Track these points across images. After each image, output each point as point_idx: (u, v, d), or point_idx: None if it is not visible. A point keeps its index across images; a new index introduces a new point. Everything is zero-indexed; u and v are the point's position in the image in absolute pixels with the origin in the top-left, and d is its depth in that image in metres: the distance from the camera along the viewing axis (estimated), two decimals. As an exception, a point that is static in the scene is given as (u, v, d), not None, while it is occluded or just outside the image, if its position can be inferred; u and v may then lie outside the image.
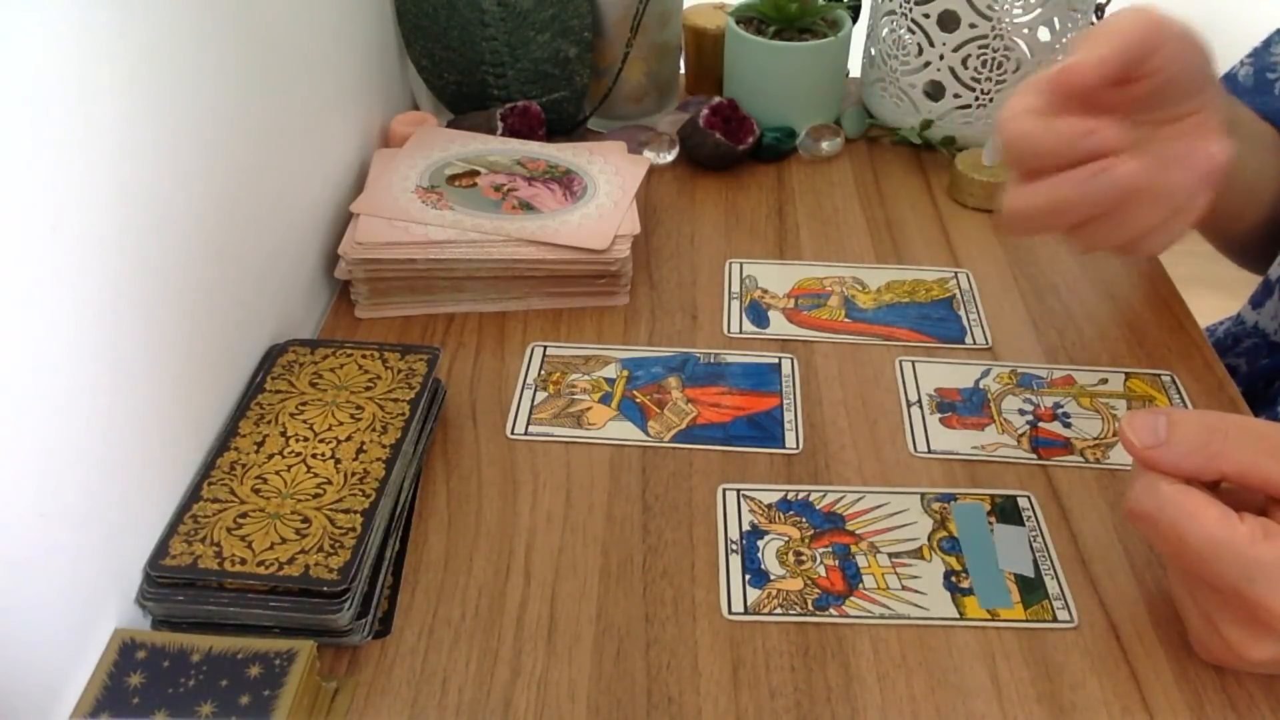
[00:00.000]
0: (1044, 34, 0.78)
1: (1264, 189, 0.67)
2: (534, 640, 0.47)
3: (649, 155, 0.79)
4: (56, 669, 0.41)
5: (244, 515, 0.48)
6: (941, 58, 0.79)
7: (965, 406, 0.60)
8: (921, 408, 0.60)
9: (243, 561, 0.45)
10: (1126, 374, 0.62)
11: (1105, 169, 0.46)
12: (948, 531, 0.52)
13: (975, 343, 0.65)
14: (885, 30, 0.82)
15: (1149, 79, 0.49)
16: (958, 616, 0.48)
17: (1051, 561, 0.51)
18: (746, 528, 0.52)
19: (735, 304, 0.67)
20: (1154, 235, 0.50)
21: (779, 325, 0.66)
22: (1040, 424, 0.59)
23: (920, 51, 0.80)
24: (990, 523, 0.53)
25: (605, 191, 0.69)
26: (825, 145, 0.82)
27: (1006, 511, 0.53)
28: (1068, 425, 0.59)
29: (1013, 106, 0.48)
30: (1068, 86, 0.47)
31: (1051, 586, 0.50)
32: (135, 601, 0.46)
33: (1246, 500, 0.42)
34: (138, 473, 0.46)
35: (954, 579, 0.50)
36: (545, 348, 0.64)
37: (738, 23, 0.83)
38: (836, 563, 0.51)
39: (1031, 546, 0.52)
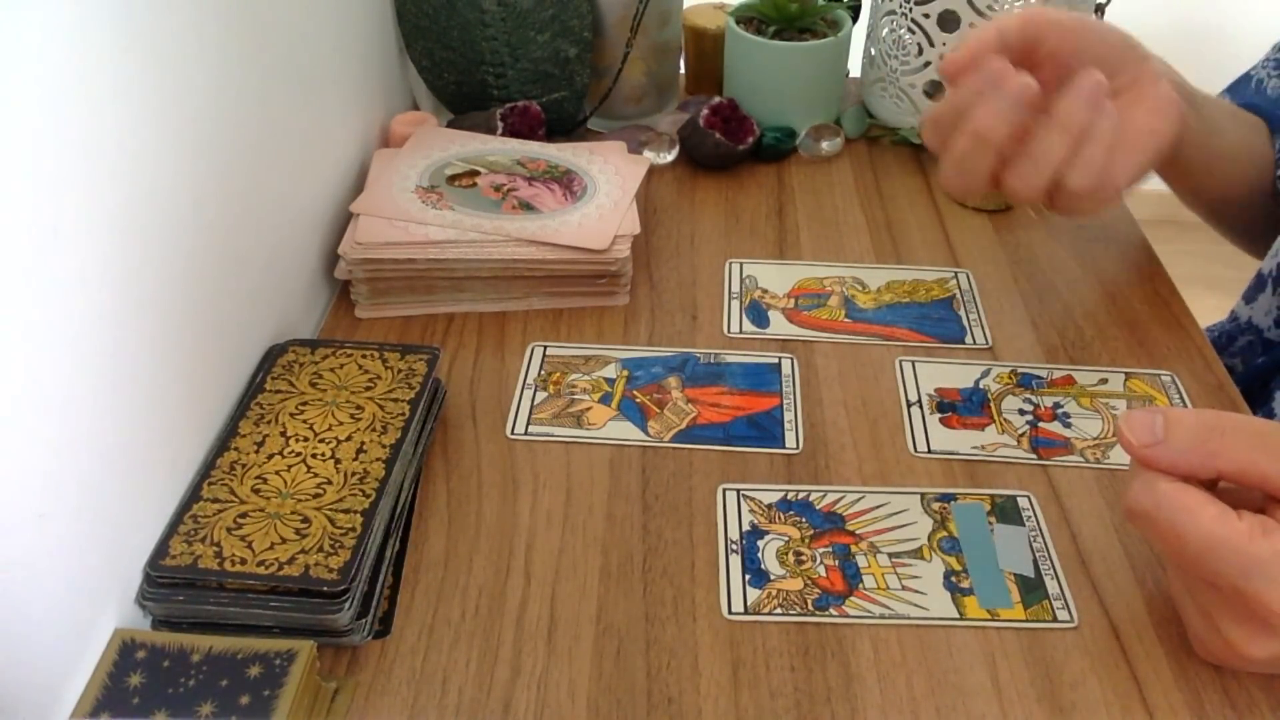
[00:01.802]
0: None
1: (1231, 154, 0.70)
2: (534, 640, 0.47)
3: (649, 155, 0.79)
4: (56, 669, 0.41)
5: (244, 515, 0.48)
6: (941, 58, 0.79)
7: (965, 406, 0.60)
8: (921, 408, 0.60)
9: (243, 561, 0.45)
10: (1126, 374, 0.62)
11: (999, 81, 0.54)
12: (948, 531, 0.52)
13: (975, 343, 0.65)
14: (885, 30, 0.82)
15: (1050, 61, 0.56)
16: (958, 616, 0.48)
17: (1051, 561, 0.51)
18: (746, 528, 0.52)
19: (735, 304, 0.67)
20: (1075, 171, 0.55)
21: (779, 325, 0.66)
22: (1040, 424, 0.59)
23: (920, 51, 0.80)
24: (990, 523, 0.53)
25: (605, 191, 0.69)
26: (825, 145, 0.82)
27: (1006, 511, 0.53)
28: (1068, 425, 0.59)
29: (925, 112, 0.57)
30: (946, 73, 0.56)
31: (1051, 586, 0.50)
32: (135, 601, 0.46)
33: (1245, 499, 0.42)
34: (138, 473, 0.46)
35: (954, 579, 0.50)
36: (545, 348, 0.64)
37: (738, 23, 0.83)
38: (836, 563, 0.51)
39: (1031, 546, 0.52)
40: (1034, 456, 0.57)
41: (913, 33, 0.79)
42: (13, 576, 0.38)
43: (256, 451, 0.51)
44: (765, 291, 0.68)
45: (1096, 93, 0.54)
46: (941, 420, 0.59)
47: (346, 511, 0.48)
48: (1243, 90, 0.76)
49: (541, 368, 0.62)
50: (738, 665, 0.46)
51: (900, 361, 0.63)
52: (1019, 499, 0.54)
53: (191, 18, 0.49)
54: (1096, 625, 0.48)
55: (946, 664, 0.46)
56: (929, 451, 0.57)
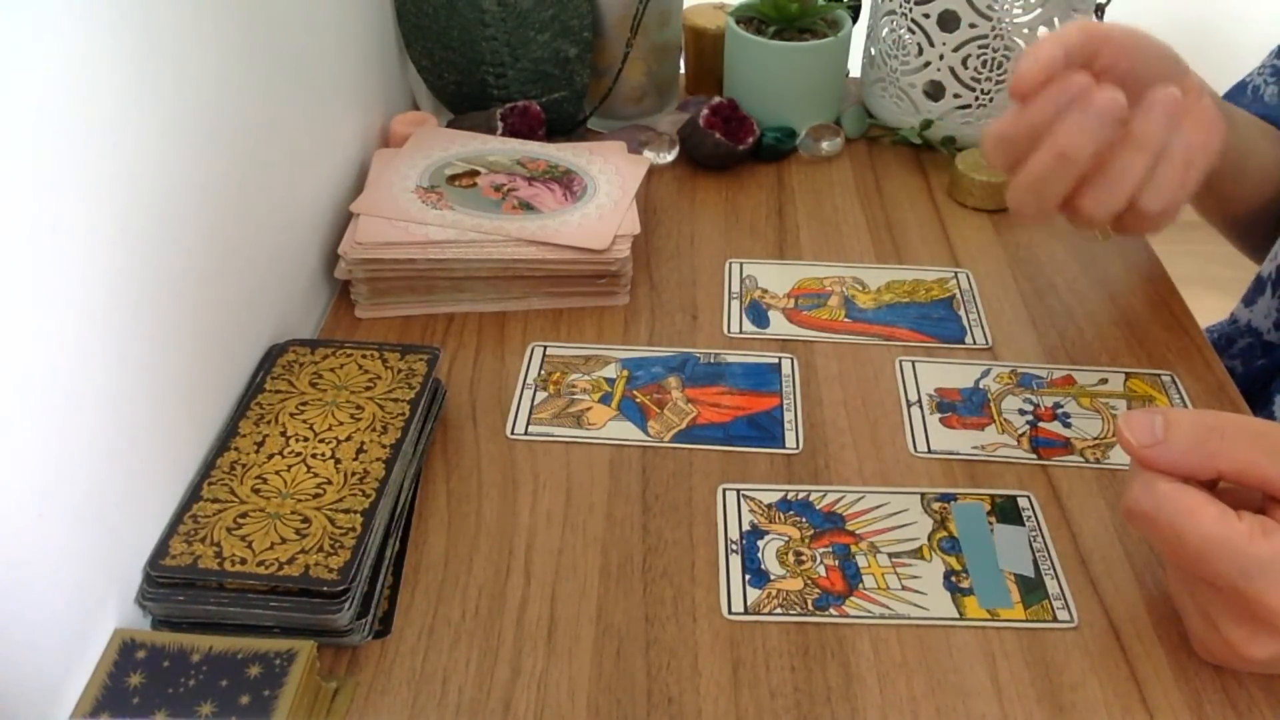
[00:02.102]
0: (1044, 34, 0.78)
1: (1262, 167, 0.69)
2: (534, 640, 0.47)
3: (649, 155, 0.79)
4: (56, 669, 0.41)
5: (244, 515, 0.48)
6: (941, 58, 0.79)
7: (965, 406, 0.60)
8: (921, 408, 0.60)
9: (243, 561, 0.45)
10: (1126, 374, 0.62)
11: (1085, 95, 0.51)
12: (948, 531, 0.52)
13: (975, 343, 0.65)
14: (885, 30, 0.82)
15: (1106, 74, 0.54)
16: (958, 616, 0.48)
17: (1051, 561, 0.51)
18: (746, 528, 0.52)
19: (735, 304, 0.67)
20: (1150, 191, 0.53)
21: (779, 325, 0.66)
22: (1040, 424, 0.59)
23: (920, 51, 0.80)
24: (990, 523, 0.53)
25: (605, 191, 0.69)
26: (825, 145, 0.82)
27: (1006, 511, 0.53)
28: (1068, 425, 0.59)
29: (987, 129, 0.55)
30: (1021, 91, 0.52)
31: (1051, 586, 0.50)
32: (135, 601, 0.46)
33: (1244, 499, 0.42)
34: (138, 473, 0.46)
35: (954, 579, 0.50)
36: (545, 348, 0.64)
37: (738, 23, 0.83)
38: (836, 563, 0.51)
39: (1031, 546, 0.52)
40: (1034, 456, 0.57)
41: (913, 33, 0.79)
42: (13, 577, 0.38)
43: (256, 451, 0.51)
44: (765, 291, 0.68)
45: (1174, 110, 0.52)
46: (941, 420, 0.59)
47: (346, 511, 0.48)
48: (1239, 98, 0.77)
49: (541, 368, 0.62)
50: (738, 665, 0.46)
51: (900, 361, 0.63)
52: (1019, 499, 0.54)
53: (192, 18, 0.49)
54: (1096, 625, 0.48)
55: (946, 664, 0.46)
56: (929, 451, 0.57)
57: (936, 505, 0.54)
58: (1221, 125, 0.57)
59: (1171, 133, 0.53)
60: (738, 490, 0.54)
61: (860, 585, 0.50)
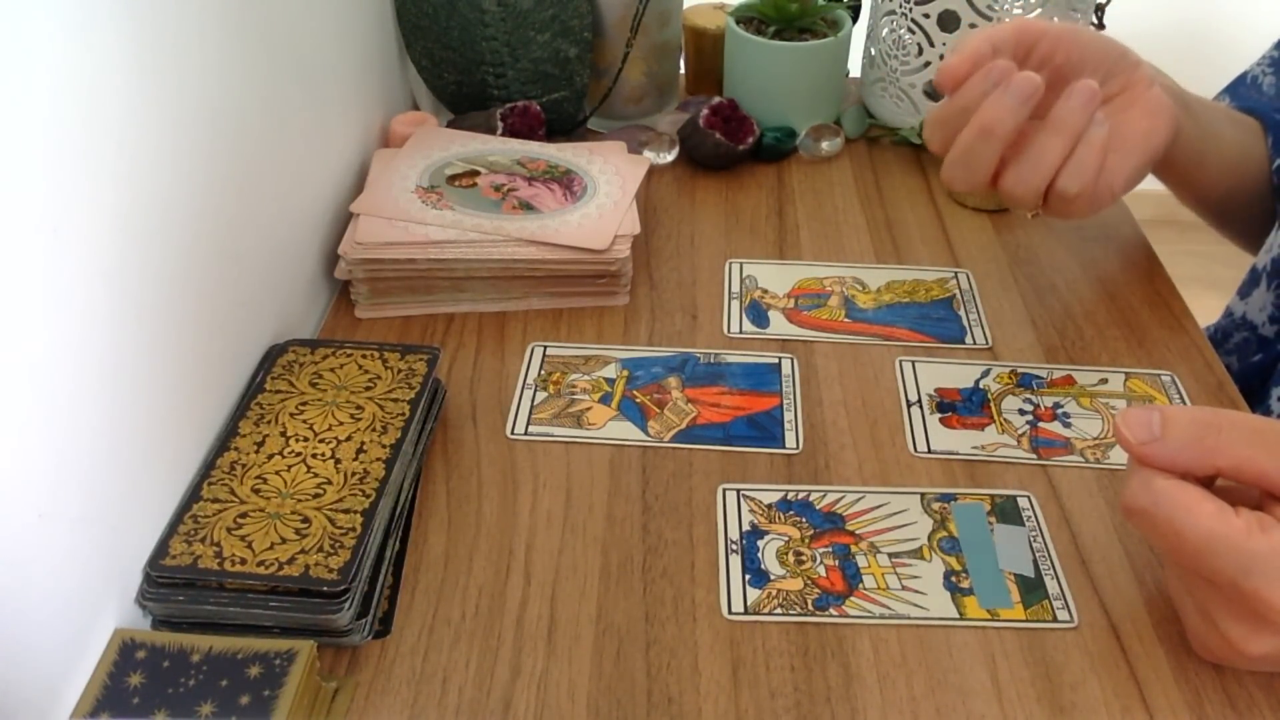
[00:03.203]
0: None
1: (1225, 155, 0.71)
2: (534, 640, 0.47)
3: (649, 155, 0.79)
4: (56, 669, 0.41)
5: (244, 515, 0.48)
6: (941, 58, 0.79)
7: (965, 406, 0.60)
8: (921, 408, 0.60)
9: (243, 561, 0.45)
10: (1126, 374, 0.62)
11: (1005, 78, 0.55)
12: (948, 531, 0.52)
13: (975, 343, 0.65)
14: (885, 30, 0.82)
15: (1043, 70, 0.57)
16: (958, 616, 0.48)
17: (1051, 561, 0.51)
18: (746, 528, 0.52)
19: (735, 304, 0.67)
20: (1068, 173, 0.56)
21: (779, 325, 0.66)
22: (1040, 424, 0.59)
23: (920, 51, 0.80)
24: (990, 523, 0.53)
25: (605, 191, 0.69)
26: (825, 145, 0.82)
27: (1006, 511, 0.53)
28: (1068, 425, 0.59)
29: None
30: (943, 82, 0.57)
31: (1051, 586, 0.50)
32: (135, 601, 0.46)
33: (1242, 496, 0.42)
34: (138, 473, 0.46)
35: (954, 579, 0.50)
36: (545, 348, 0.64)
37: (738, 23, 0.83)
38: (836, 563, 0.51)
39: (1031, 546, 0.52)
40: (1034, 456, 0.57)
41: (913, 33, 0.79)
42: (13, 576, 0.38)
43: (256, 451, 0.51)
44: (765, 291, 0.68)
45: (1090, 98, 0.55)
46: (941, 420, 0.59)
47: (346, 511, 0.48)
48: (1239, 88, 0.77)
49: (541, 368, 0.62)
50: (738, 665, 0.46)
51: (900, 361, 0.63)
52: (1019, 499, 0.54)
53: (192, 18, 0.49)
54: (1096, 625, 0.48)
55: (946, 664, 0.46)
56: (929, 451, 0.57)
57: (936, 505, 0.54)
58: (1171, 114, 0.60)
59: (1090, 120, 0.56)
60: (738, 490, 0.54)
61: (860, 585, 0.50)
